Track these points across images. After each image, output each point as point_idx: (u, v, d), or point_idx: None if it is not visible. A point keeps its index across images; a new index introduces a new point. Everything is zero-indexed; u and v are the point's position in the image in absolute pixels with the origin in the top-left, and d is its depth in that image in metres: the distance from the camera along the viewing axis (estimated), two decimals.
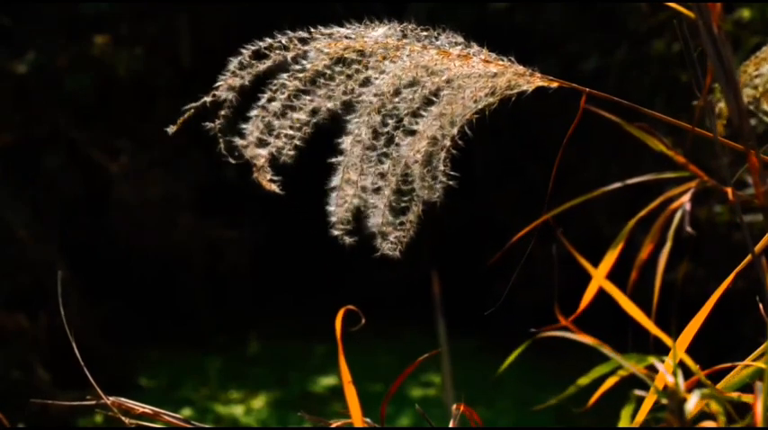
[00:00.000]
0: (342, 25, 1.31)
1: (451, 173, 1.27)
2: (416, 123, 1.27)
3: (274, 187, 1.29)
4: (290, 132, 1.28)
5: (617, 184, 1.13)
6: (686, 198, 1.06)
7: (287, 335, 8.00)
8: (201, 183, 8.12)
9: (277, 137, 1.28)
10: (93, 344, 6.43)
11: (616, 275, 1.11)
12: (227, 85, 1.27)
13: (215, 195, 8.29)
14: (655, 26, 7.13)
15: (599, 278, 1.05)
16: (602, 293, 1.12)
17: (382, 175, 1.27)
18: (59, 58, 7.79)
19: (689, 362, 1.05)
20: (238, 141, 1.27)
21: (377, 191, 1.27)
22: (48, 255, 6.87)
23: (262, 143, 1.28)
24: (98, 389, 1.26)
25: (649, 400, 1.15)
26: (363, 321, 1.26)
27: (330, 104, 1.28)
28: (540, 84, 1.29)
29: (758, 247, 1.15)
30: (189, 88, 8.46)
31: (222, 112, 1.27)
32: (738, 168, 1.20)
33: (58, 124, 7.84)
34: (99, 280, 7.52)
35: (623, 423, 1.06)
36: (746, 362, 1.21)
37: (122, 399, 1.29)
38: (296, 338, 7.87)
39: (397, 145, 1.27)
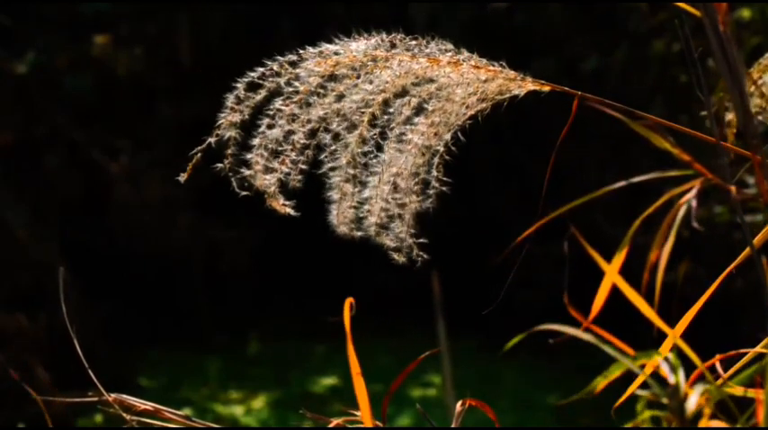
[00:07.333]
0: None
1: (445, 179, 1.27)
2: (409, 132, 1.27)
3: (289, 210, 1.30)
4: (294, 157, 1.28)
5: (623, 182, 1.13)
6: (692, 195, 1.06)
7: (287, 336, 7.99)
8: (201, 183, 8.09)
9: (282, 162, 1.28)
10: (93, 344, 6.42)
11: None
12: (227, 122, 1.28)
13: (215, 195, 8.26)
14: (655, 26, 7.13)
15: (612, 274, 1.05)
16: (596, 292, 1.12)
17: (374, 186, 1.27)
18: (59, 58, 7.78)
19: (693, 356, 1.04)
20: (246, 172, 1.28)
21: (370, 200, 1.28)
22: (48, 255, 6.86)
23: (268, 170, 1.28)
24: (99, 386, 1.26)
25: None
26: (355, 310, 1.26)
27: (325, 124, 1.28)
28: (532, 88, 1.29)
29: (757, 240, 1.15)
30: (189, 88, 8.46)
31: (228, 151, 1.27)
32: (738, 168, 1.20)
33: (57, 124, 7.83)
34: (99, 280, 7.51)
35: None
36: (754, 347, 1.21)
37: (123, 396, 1.29)
38: (296, 338, 7.86)
39: (389, 154, 1.27)
